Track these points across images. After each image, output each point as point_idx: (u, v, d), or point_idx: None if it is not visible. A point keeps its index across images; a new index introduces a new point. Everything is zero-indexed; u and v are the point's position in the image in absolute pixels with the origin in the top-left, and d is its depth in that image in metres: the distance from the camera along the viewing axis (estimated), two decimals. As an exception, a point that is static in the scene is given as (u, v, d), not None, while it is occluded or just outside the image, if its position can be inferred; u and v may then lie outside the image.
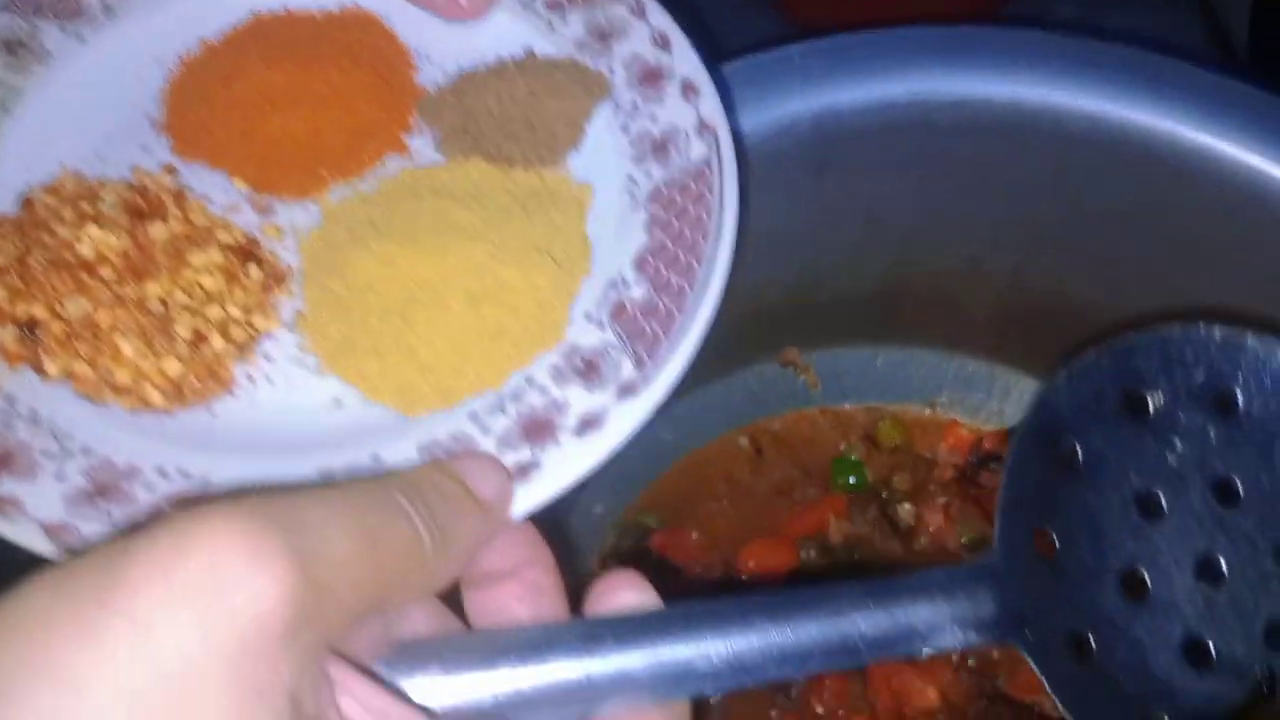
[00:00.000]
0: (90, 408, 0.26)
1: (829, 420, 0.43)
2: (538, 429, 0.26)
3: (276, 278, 0.28)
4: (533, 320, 0.28)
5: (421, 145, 0.30)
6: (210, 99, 0.31)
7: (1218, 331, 0.25)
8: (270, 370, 0.28)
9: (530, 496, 0.25)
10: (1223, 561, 0.25)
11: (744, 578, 0.39)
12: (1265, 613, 0.25)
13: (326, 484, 0.23)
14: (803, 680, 0.37)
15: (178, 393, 0.27)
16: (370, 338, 0.27)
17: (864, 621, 0.23)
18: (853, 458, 0.42)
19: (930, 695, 0.37)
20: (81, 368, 0.26)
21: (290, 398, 0.27)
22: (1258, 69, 0.54)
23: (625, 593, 0.23)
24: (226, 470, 0.25)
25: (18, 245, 0.27)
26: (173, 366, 0.27)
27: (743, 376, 0.43)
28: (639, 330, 0.27)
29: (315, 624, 0.19)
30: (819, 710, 0.36)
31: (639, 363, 0.27)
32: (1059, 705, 0.25)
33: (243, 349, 0.27)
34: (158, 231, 0.28)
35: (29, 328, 0.26)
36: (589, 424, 0.26)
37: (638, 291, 0.28)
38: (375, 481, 0.22)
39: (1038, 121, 0.33)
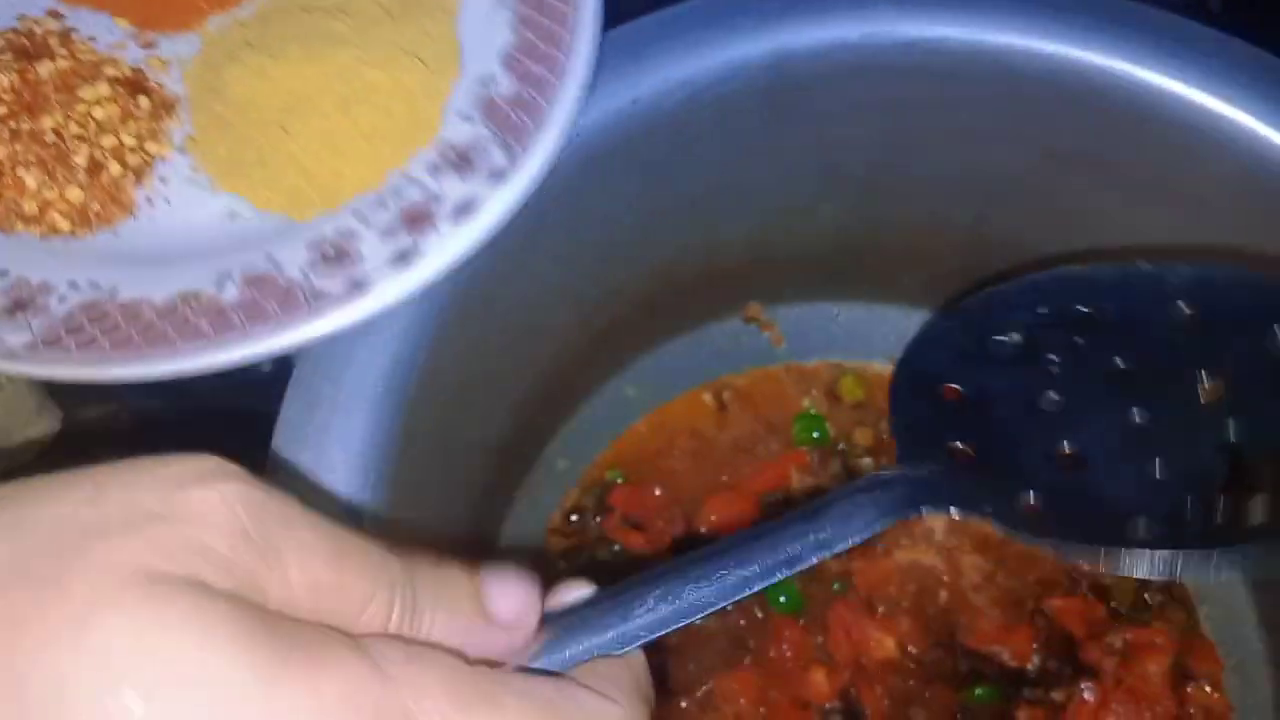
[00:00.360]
0: (2, 237, 0.29)
1: (792, 376, 0.43)
2: (417, 219, 0.29)
3: (165, 106, 0.31)
4: (405, 120, 0.30)
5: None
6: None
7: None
8: (167, 192, 0.30)
9: (411, 280, 0.28)
10: (1136, 417, 0.27)
11: (704, 530, 0.39)
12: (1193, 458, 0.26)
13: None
14: (763, 633, 0.38)
15: (83, 218, 0.29)
16: (255, 151, 0.30)
17: (799, 541, 0.24)
18: (814, 413, 0.42)
19: (888, 645, 0.37)
20: None
21: (188, 215, 0.30)
22: (1230, 20, 0.54)
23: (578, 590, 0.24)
24: (133, 280, 0.28)
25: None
26: (75, 194, 0.29)
27: (707, 333, 0.42)
28: (508, 122, 0.30)
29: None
30: (776, 658, 0.37)
31: (509, 151, 0.29)
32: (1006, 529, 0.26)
33: (139, 174, 0.30)
34: (45, 69, 0.30)
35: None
36: (464, 210, 0.28)
37: (506, 87, 0.30)
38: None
39: (995, 64, 0.33)
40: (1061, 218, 0.39)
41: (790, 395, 0.42)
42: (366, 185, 0.29)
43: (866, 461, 0.41)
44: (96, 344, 0.27)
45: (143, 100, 0.30)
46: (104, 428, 0.41)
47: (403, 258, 0.28)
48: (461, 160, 0.29)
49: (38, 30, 0.31)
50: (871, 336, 0.43)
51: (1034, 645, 0.37)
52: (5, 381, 0.40)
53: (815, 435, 0.42)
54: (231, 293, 0.28)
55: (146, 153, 0.30)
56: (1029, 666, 0.37)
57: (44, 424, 0.42)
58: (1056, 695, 0.36)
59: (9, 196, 0.29)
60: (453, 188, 0.29)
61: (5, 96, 0.29)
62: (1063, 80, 0.34)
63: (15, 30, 0.31)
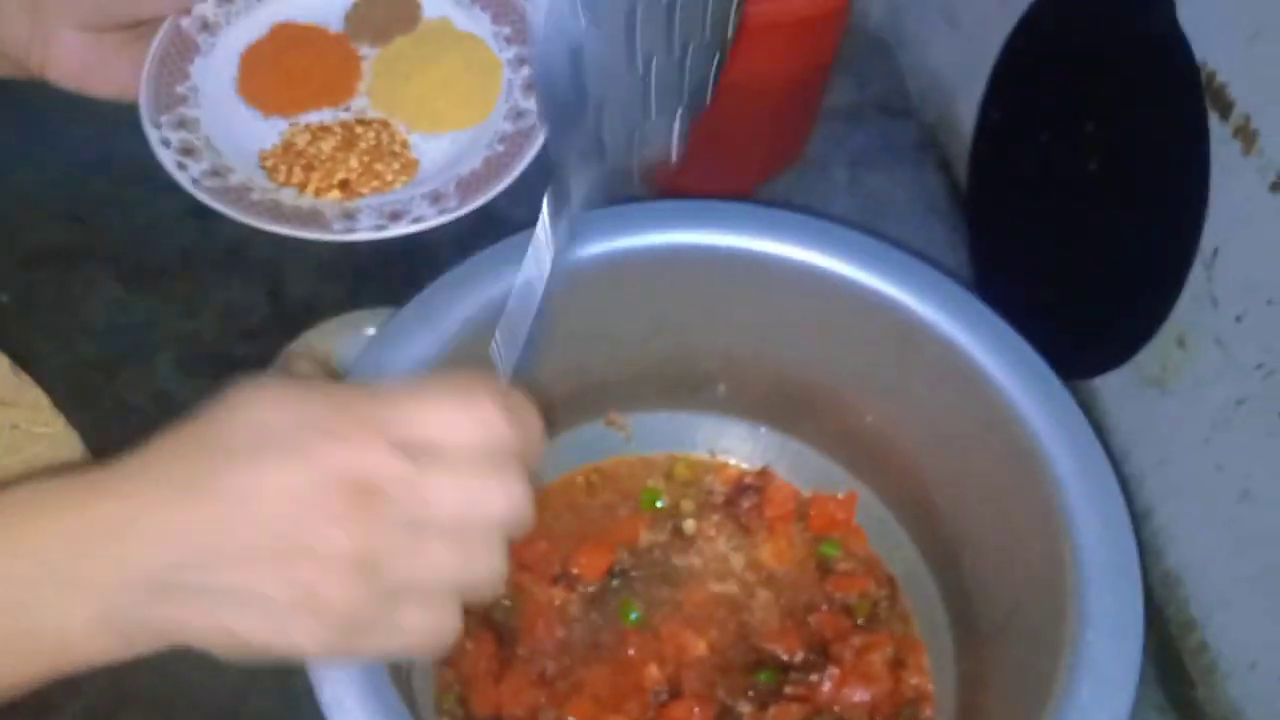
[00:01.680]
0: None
1: (640, 463, 0.59)
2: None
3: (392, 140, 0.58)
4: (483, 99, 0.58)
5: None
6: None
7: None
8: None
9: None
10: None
11: (574, 571, 0.55)
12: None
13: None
14: (617, 639, 0.53)
15: (350, 183, 0.56)
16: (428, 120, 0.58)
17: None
18: (655, 488, 0.59)
19: (701, 646, 0.53)
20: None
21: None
22: (974, 211, 0.75)
23: None
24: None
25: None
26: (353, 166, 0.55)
27: (578, 433, 0.59)
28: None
29: None
30: (624, 656, 0.53)
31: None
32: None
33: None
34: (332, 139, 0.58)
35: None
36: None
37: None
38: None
39: (745, 262, 0.51)
40: (800, 353, 0.57)
41: (638, 476, 0.59)
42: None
43: (689, 522, 0.58)
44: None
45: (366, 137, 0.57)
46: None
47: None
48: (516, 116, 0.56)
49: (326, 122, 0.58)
50: (695, 435, 0.60)
51: (800, 645, 0.54)
52: (55, 434, 0.53)
53: (657, 504, 0.58)
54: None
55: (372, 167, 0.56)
56: (796, 658, 0.53)
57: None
58: (814, 677, 0.52)
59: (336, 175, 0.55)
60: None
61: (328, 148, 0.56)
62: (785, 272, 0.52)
63: (320, 125, 0.58)
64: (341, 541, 0.31)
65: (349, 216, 0.53)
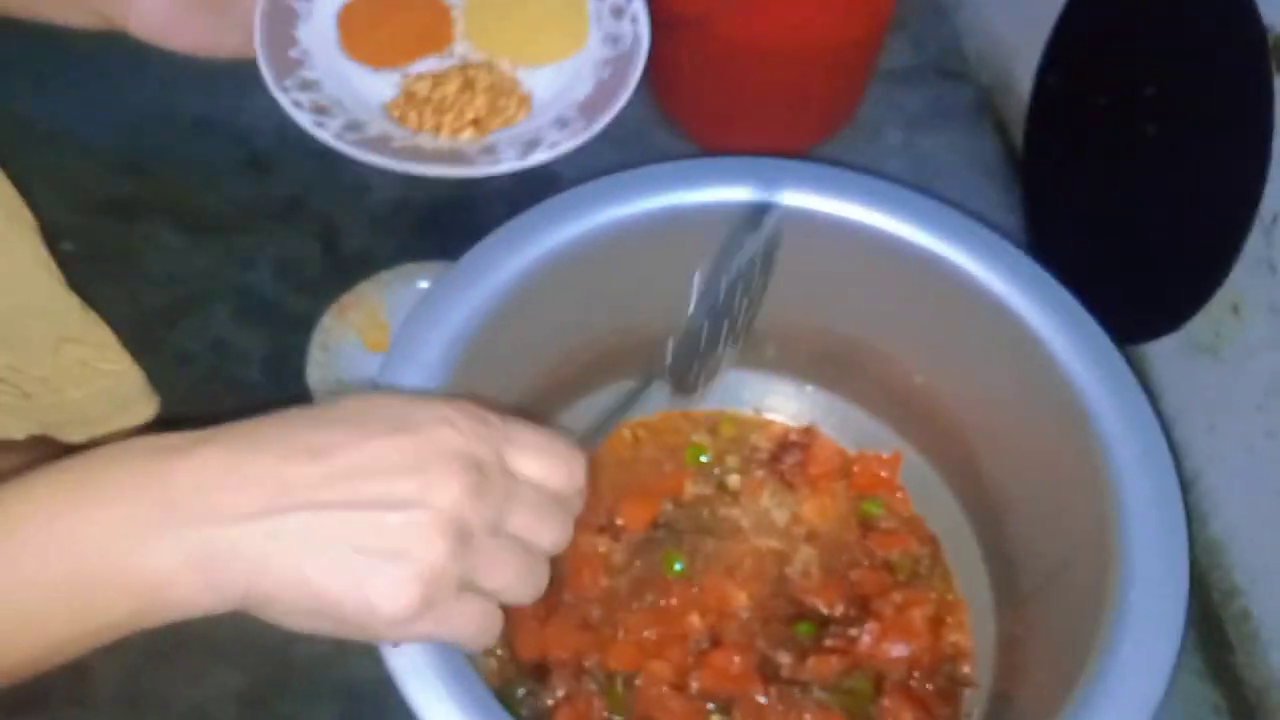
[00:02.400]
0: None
1: (686, 419, 0.60)
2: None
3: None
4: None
5: None
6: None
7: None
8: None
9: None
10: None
11: (619, 522, 0.56)
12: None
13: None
14: (659, 590, 0.54)
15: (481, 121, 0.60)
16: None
17: None
18: (700, 443, 0.59)
19: (741, 598, 0.54)
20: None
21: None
22: (1030, 175, 0.74)
23: None
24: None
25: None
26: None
27: (625, 387, 0.59)
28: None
29: None
30: (666, 606, 0.54)
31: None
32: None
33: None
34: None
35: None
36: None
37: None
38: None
39: (796, 219, 0.51)
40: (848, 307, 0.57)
41: (684, 432, 0.60)
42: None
43: (734, 477, 0.58)
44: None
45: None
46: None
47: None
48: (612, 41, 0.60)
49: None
50: (741, 392, 0.60)
51: (840, 599, 0.54)
52: (120, 370, 0.55)
53: (701, 459, 0.59)
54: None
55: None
56: (836, 612, 0.54)
57: (141, 411, 0.56)
58: (853, 631, 0.53)
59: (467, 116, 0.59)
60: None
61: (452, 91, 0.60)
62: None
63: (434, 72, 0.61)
64: (447, 502, 0.32)
65: (489, 151, 0.57)
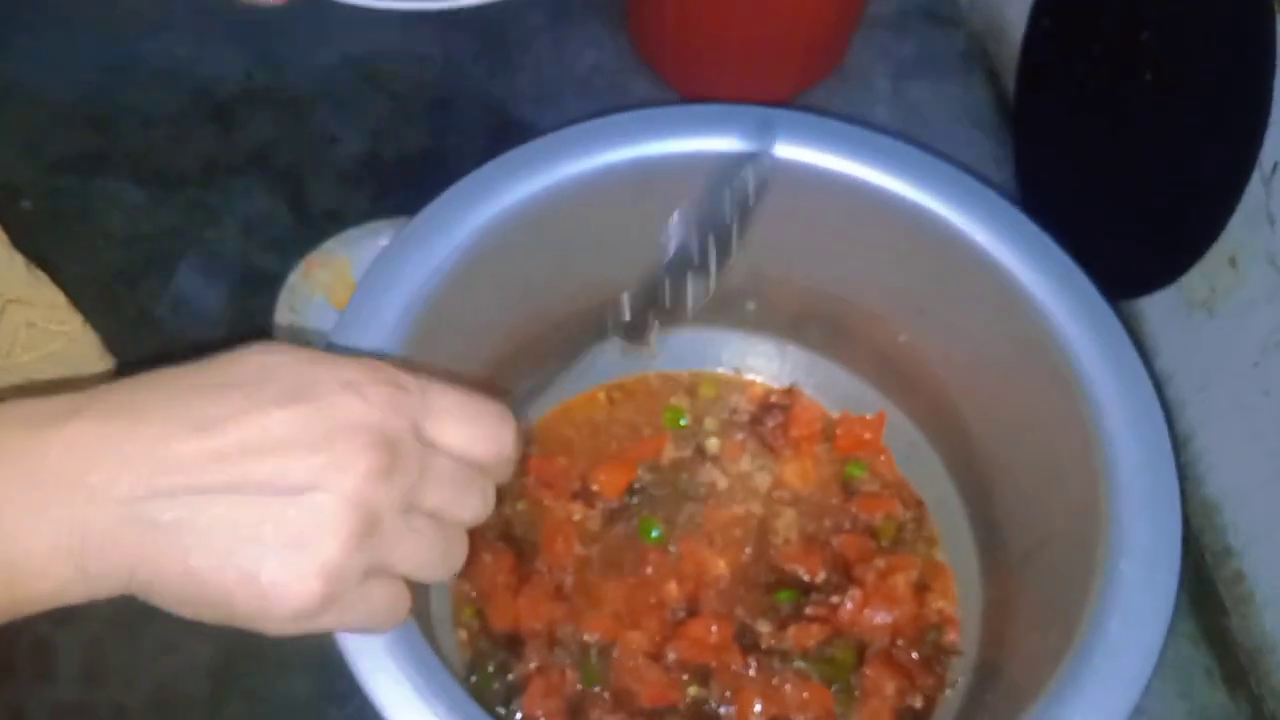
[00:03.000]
0: None
1: (664, 380, 0.58)
2: None
3: None
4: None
5: None
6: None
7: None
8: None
9: None
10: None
11: (594, 488, 0.54)
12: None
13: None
14: (636, 557, 0.53)
15: None
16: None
17: None
18: (679, 406, 0.57)
19: (721, 565, 0.52)
20: None
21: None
22: (1022, 124, 0.72)
23: None
24: None
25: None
26: None
27: (602, 348, 0.58)
28: None
29: None
30: (643, 574, 0.52)
31: None
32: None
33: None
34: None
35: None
36: None
37: None
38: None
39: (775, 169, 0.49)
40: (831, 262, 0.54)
41: (661, 394, 0.58)
42: None
43: (713, 441, 0.56)
44: None
45: None
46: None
47: None
48: None
49: None
50: (720, 352, 0.58)
51: (822, 565, 0.53)
52: (72, 331, 0.52)
53: (680, 422, 0.57)
54: None
55: None
56: (817, 579, 0.52)
57: (102, 369, 0.54)
58: (835, 599, 0.52)
59: None
60: None
61: None
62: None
63: None
64: (351, 487, 0.28)
65: None
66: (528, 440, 0.51)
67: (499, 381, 0.52)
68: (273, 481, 0.28)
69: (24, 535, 0.27)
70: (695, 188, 0.50)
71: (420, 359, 0.44)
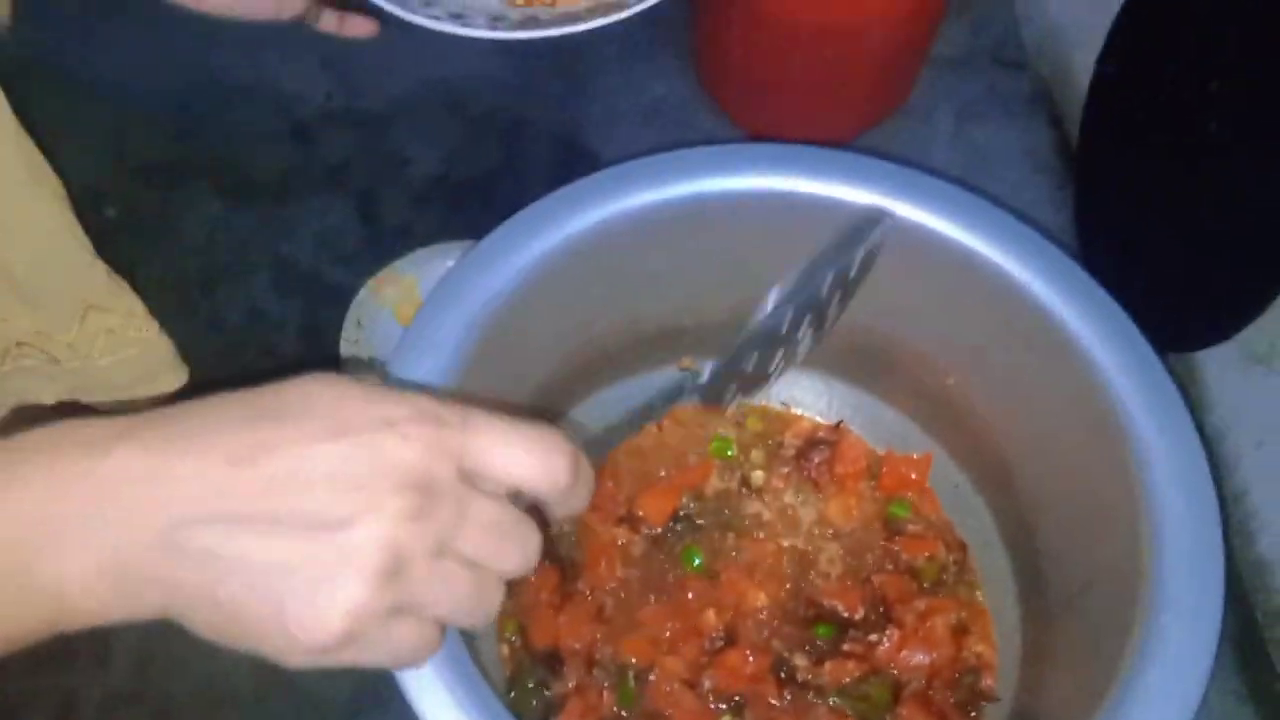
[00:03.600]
0: None
1: (711, 411, 0.59)
2: None
3: None
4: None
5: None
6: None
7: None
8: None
9: None
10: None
11: (640, 513, 0.55)
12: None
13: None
14: (676, 585, 0.54)
15: None
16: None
17: None
18: (726, 436, 0.58)
19: (761, 597, 0.53)
20: None
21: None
22: (1084, 170, 0.71)
23: None
24: None
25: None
26: None
27: (651, 377, 0.58)
28: None
29: None
30: (682, 601, 0.53)
31: None
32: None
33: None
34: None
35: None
36: None
37: None
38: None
39: (829, 209, 0.50)
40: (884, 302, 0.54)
41: (710, 424, 0.58)
42: None
43: (758, 473, 0.57)
44: None
45: None
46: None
47: None
48: None
49: None
50: (771, 387, 0.59)
51: (862, 603, 0.53)
52: (148, 338, 0.54)
53: (727, 453, 0.58)
54: None
55: None
56: (857, 616, 0.53)
57: (170, 380, 0.56)
58: (873, 637, 0.52)
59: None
60: None
61: None
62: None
63: None
64: (381, 529, 0.29)
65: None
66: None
67: (553, 407, 0.53)
68: (303, 517, 0.28)
69: (72, 555, 0.28)
70: (748, 226, 0.51)
71: (476, 382, 0.46)
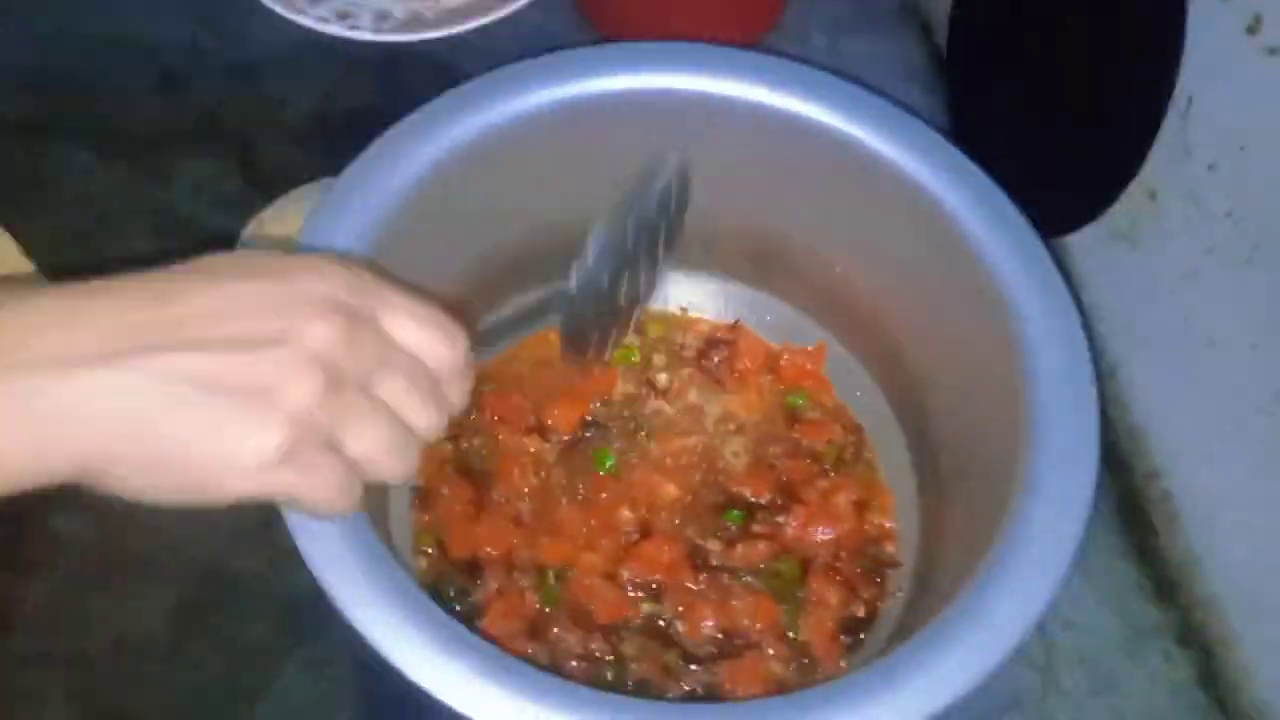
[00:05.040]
0: None
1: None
2: None
3: None
4: None
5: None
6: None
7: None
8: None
9: None
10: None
11: (549, 423, 0.56)
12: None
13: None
14: (590, 485, 0.54)
15: None
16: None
17: None
18: (629, 343, 0.59)
19: (671, 489, 0.54)
20: None
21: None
22: (954, 76, 0.74)
23: None
24: None
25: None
26: None
27: (551, 290, 0.59)
28: None
29: None
30: (598, 501, 0.54)
31: None
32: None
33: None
34: None
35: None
36: None
37: None
38: None
39: (707, 105, 0.51)
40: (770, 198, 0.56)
41: (611, 333, 0.59)
42: None
43: (662, 376, 0.58)
44: None
45: None
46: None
47: None
48: None
49: None
50: (666, 291, 0.60)
51: (768, 488, 0.55)
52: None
53: (631, 359, 0.59)
54: None
55: None
56: (764, 500, 0.55)
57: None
58: (780, 518, 0.54)
59: None
60: None
61: None
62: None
63: None
64: (313, 344, 0.29)
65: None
66: (482, 377, 0.52)
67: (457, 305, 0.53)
68: (236, 339, 0.28)
69: None
70: (628, 129, 0.51)
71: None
